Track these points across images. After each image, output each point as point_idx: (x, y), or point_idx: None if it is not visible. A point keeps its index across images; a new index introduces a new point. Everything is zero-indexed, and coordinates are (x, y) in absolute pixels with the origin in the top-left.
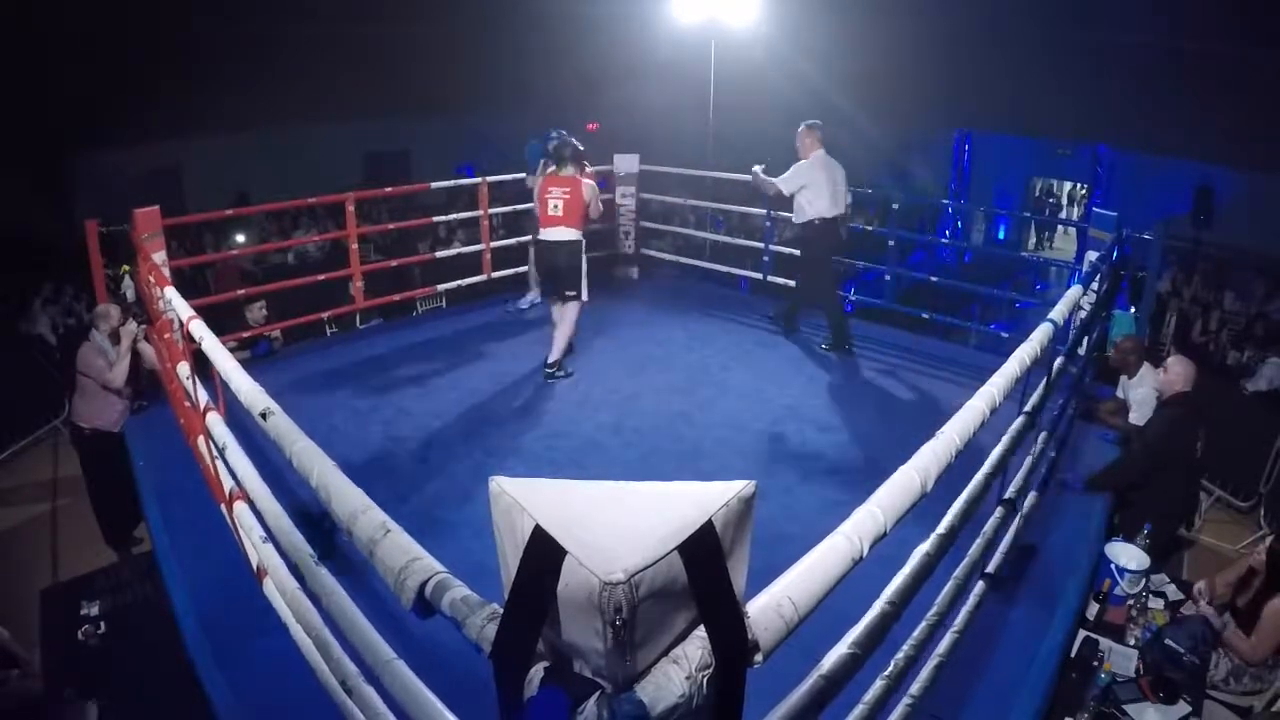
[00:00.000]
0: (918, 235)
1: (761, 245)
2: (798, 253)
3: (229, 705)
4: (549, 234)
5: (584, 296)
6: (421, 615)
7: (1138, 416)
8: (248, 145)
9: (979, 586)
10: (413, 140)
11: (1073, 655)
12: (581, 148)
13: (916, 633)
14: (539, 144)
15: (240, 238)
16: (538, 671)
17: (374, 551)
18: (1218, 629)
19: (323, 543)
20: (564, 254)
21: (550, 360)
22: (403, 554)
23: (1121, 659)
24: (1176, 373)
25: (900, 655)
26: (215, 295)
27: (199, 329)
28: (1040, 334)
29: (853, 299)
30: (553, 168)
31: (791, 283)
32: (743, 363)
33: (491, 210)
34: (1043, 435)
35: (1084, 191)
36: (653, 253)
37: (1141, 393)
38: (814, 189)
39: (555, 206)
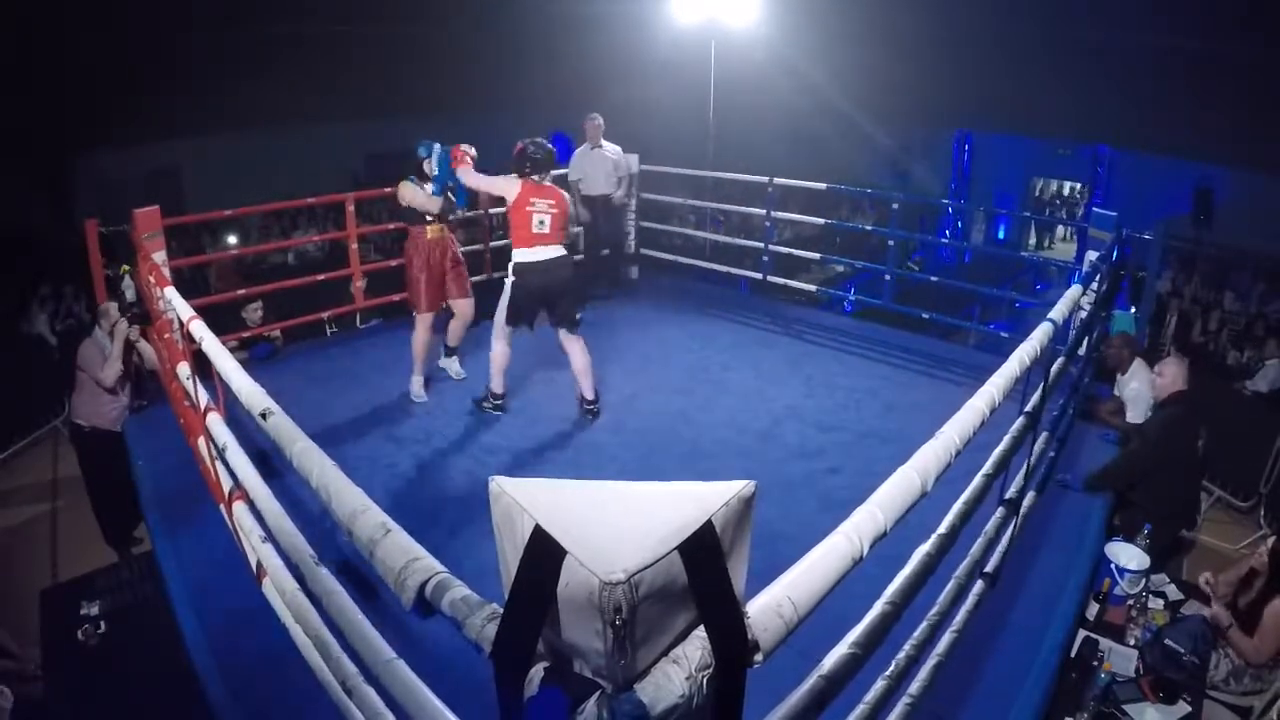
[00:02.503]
0: (918, 235)
1: (761, 245)
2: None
3: (229, 705)
4: (539, 253)
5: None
6: (421, 615)
7: (1134, 413)
8: (248, 145)
9: (979, 586)
10: (412, 140)
11: (1073, 655)
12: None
13: (917, 633)
14: (432, 147)
15: (232, 239)
16: (538, 671)
17: (374, 551)
18: (1224, 624)
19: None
20: (565, 273)
21: (590, 397)
22: (403, 554)
23: (1121, 659)
24: (1171, 373)
25: (901, 655)
26: (214, 295)
27: (199, 329)
28: (1040, 334)
29: (852, 299)
30: (534, 176)
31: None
32: (743, 363)
33: (491, 210)
34: (1043, 435)
35: (1083, 194)
36: (653, 253)
37: (1134, 387)
38: None
39: (542, 223)
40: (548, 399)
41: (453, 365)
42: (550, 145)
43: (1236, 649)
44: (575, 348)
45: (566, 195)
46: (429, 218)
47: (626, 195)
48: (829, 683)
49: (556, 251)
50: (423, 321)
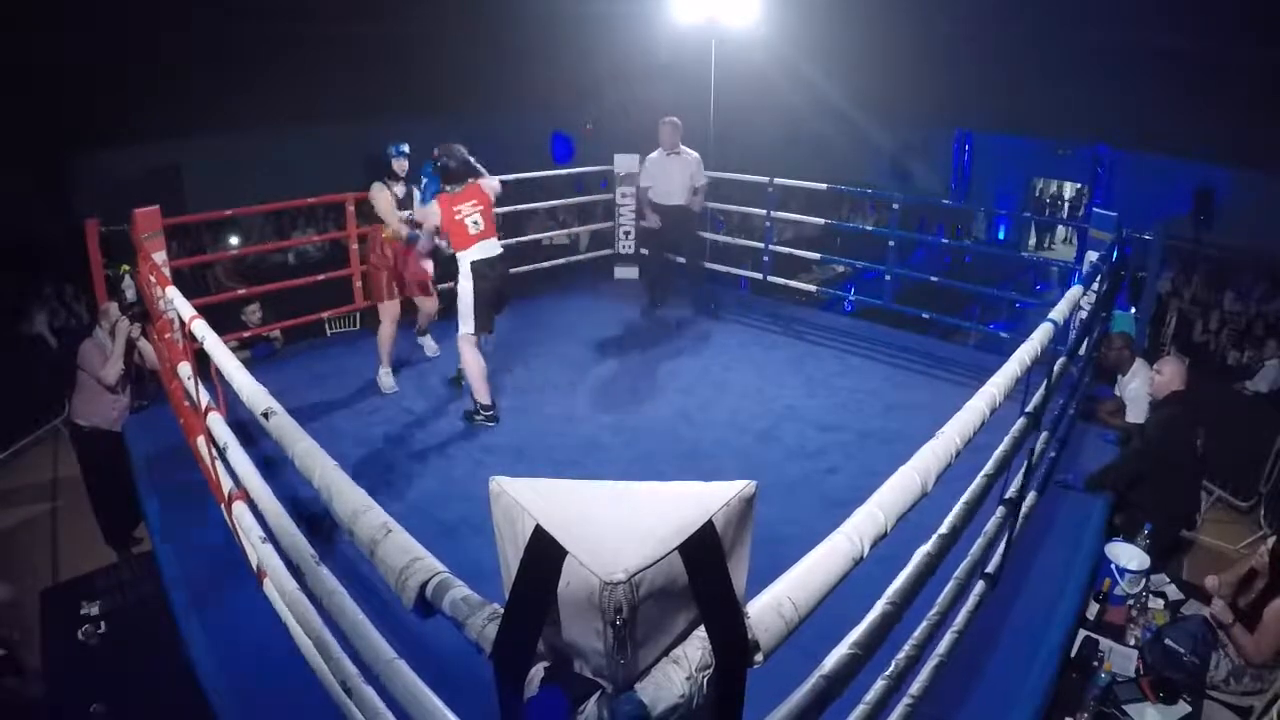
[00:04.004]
0: (918, 235)
1: (761, 245)
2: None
3: (229, 705)
4: (486, 249)
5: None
6: (422, 615)
7: (1134, 414)
8: (248, 145)
9: (979, 586)
10: (412, 140)
11: (1073, 655)
12: (470, 158)
13: (917, 633)
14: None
15: (234, 239)
16: (538, 671)
17: (375, 551)
18: (1227, 621)
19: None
20: (507, 267)
21: (485, 403)
22: (404, 554)
23: (1121, 659)
24: (1169, 373)
25: (901, 655)
26: (214, 295)
27: (200, 329)
28: (1041, 334)
29: (852, 299)
30: (447, 188)
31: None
32: (743, 363)
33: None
34: (1043, 435)
35: (1082, 193)
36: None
37: (1134, 387)
38: None
39: (476, 223)
40: (548, 399)
41: (428, 343)
42: (463, 151)
43: (1238, 646)
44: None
45: (485, 183)
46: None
47: (701, 205)
48: (830, 682)
49: (498, 246)
50: (386, 312)
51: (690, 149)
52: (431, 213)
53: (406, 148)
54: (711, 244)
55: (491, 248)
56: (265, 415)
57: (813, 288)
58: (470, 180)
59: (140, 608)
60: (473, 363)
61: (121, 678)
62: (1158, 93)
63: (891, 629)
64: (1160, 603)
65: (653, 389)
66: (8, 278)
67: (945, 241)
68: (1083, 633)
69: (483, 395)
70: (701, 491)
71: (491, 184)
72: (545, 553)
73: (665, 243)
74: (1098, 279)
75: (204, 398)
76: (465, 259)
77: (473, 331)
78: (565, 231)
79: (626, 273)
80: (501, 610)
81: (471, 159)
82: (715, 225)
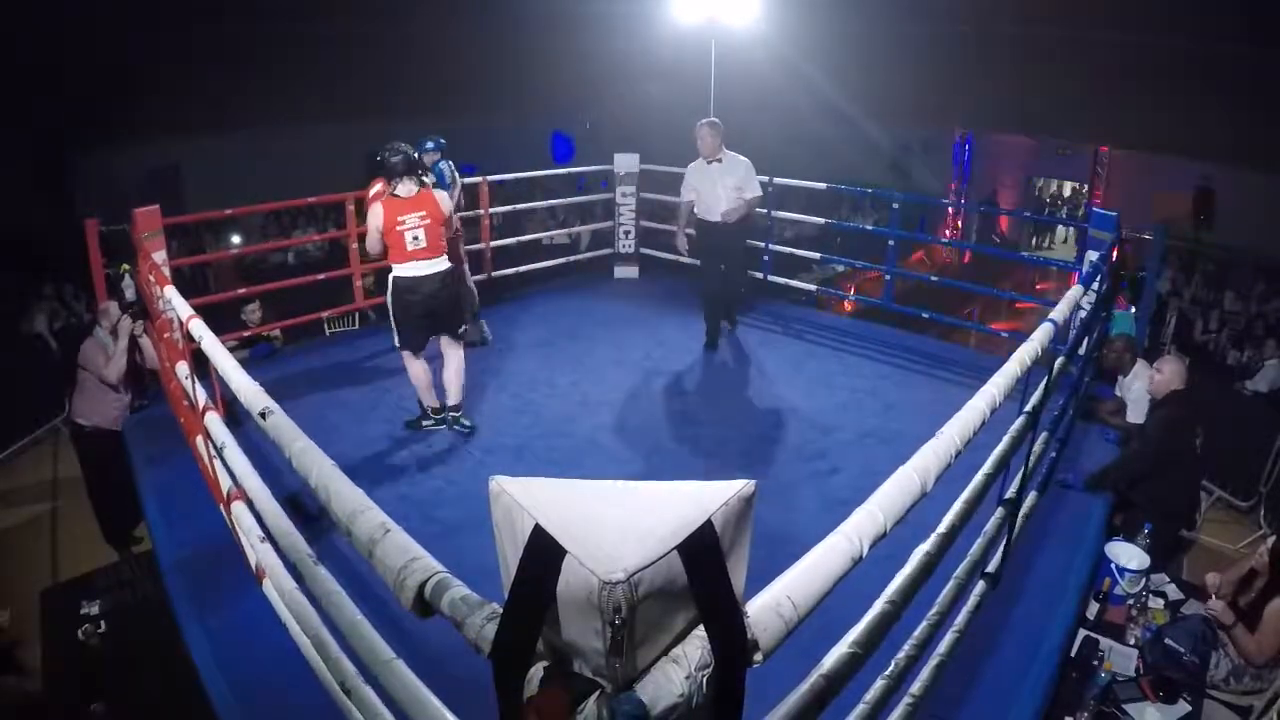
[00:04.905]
0: (918, 235)
1: (762, 245)
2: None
3: (228, 705)
4: (416, 268)
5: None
6: (421, 615)
7: (1135, 414)
8: (248, 145)
9: (979, 586)
10: (412, 140)
11: (1073, 655)
12: (415, 154)
13: (917, 632)
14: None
15: (236, 238)
16: (537, 671)
17: (373, 551)
18: (1228, 623)
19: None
20: (447, 289)
21: (454, 403)
22: (402, 554)
23: (1121, 659)
24: (1168, 372)
25: (901, 655)
26: (213, 294)
27: (198, 328)
28: (1041, 334)
29: (853, 298)
30: (394, 190)
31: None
32: (743, 363)
33: (491, 210)
34: (1043, 435)
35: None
36: (653, 252)
37: (1137, 388)
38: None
39: (416, 238)
40: (547, 399)
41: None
42: (405, 147)
43: (1239, 646)
44: (454, 356)
45: (439, 196)
46: None
47: (748, 219)
48: (829, 682)
49: (436, 265)
50: None
51: (738, 153)
52: (375, 215)
53: (444, 141)
54: None
55: (425, 267)
56: (263, 415)
57: (813, 287)
58: (422, 188)
59: (140, 607)
60: (412, 370)
61: (121, 678)
62: (1158, 92)
63: (891, 628)
64: (1160, 602)
65: (652, 388)
66: (8, 277)
67: (945, 242)
68: (1083, 632)
69: (426, 399)
70: (701, 491)
71: (445, 200)
72: (545, 552)
73: (712, 262)
74: (1098, 279)
75: (202, 397)
76: (393, 270)
77: (399, 346)
78: (565, 231)
79: (626, 272)
80: (500, 610)
81: (418, 163)
82: None
